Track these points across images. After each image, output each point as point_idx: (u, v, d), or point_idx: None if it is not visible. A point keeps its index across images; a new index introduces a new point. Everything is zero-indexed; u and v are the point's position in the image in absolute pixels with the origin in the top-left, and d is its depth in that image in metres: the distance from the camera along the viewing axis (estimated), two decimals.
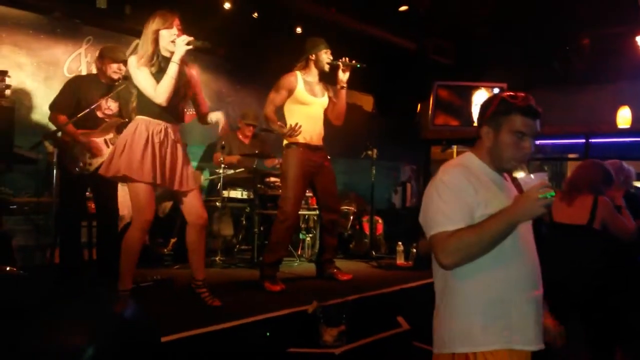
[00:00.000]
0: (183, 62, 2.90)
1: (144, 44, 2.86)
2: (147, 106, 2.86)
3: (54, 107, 3.58)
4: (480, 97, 6.82)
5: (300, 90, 3.72)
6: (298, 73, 3.76)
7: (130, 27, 5.20)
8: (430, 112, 6.82)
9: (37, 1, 4.60)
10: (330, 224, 3.96)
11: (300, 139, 3.69)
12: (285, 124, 3.70)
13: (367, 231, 5.36)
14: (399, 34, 6.18)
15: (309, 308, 3.02)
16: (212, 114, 3.11)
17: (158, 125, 2.87)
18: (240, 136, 5.35)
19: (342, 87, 3.79)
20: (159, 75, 2.82)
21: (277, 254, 3.72)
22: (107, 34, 5.09)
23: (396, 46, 6.30)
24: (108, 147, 3.61)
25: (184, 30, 2.91)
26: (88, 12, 4.87)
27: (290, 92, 3.70)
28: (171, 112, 2.92)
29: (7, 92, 3.27)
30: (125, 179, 2.86)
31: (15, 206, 3.99)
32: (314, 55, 3.76)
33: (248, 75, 6.15)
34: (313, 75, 3.79)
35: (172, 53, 2.83)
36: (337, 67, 3.77)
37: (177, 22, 2.90)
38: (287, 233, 3.75)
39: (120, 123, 3.69)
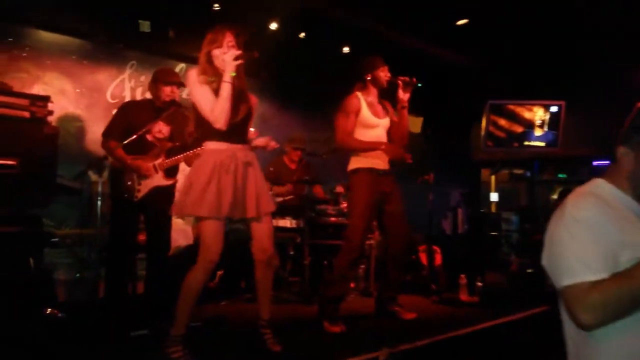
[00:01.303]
0: (241, 79, 2.68)
1: (200, 65, 2.68)
2: (209, 127, 2.62)
3: (107, 133, 3.43)
4: (537, 116, 6.44)
5: (365, 112, 3.48)
6: (359, 94, 3.51)
7: (174, 51, 5.08)
8: (482, 132, 6.46)
9: (80, 26, 4.50)
10: (400, 256, 3.63)
11: (367, 163, 3.44)
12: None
13: (424, 262, 4.97)
14: (450, 49, 5.86)
15: (380, 356, 2.66)
16: (256, 140, 2.88)
17: (224, 153, 2.63)
18: (287, 161, 5.09)
19: (404, 107, 3.52)
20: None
21: (340, 290, 3.41)
22: (150, 58, 4.97)
23: (447, 63, 5.97)
24: (157, 172, 3.39)
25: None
26: (131, 36, 4.77)
27: (357, 115, 3.46)
28: (236, 132, 2.68)
29: (50, 118, 3.08)
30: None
31: (57, 239, 3.79)
32: (370, 76, 3.49)
33: (293, 97, 5.92)
34: (373, 95, 3.54)
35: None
36: (397, 85, 3.49)
37: (228, 38, 2.66)
38: (352, 266, 3.47)
39: (170, 147, 3.48)
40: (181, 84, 3.46)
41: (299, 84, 5.74)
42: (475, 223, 7.22)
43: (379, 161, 3.49)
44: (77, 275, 3.62)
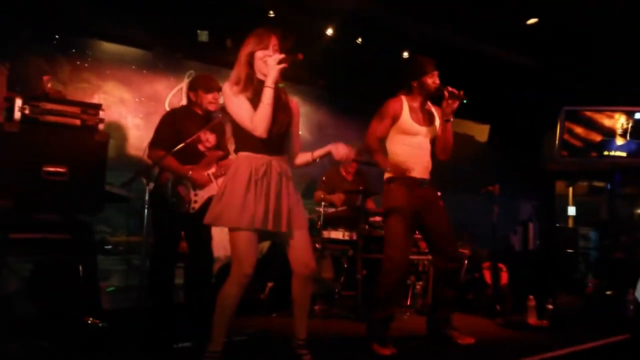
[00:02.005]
0: (281, 89, 2.54)
1: (237, 67, 2.54)
2: (246, 139, 2.50)
3: (154, 143, 3.36)
4: (618, 123, 5.90)
5: (406, 118, 3.23)
6: (403, 98, 3.28)
7: (231, 60, 5.04)
8: (556, 141, 6.00)
9: (140, 37, 4.59)
10: (446, 274, 3.33)
11: (404, 172, 3.21)
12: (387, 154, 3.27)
13: (488, 280, 4.62)
14: (520, 52, 5.48)
15: None
16: (316, 152, 2.67)
17: (260, 160, 2.51)
18: (343, 172, 4.92)
19: (448, 121, 3.25)
20: (255, 100, 2.46)
21: (387, 310, 3.17)
22: (208, 67, 4.99)
23: (517, 67, 5.59)
24: (212, 182, 3.33)
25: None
26: (190, 46, 4.83)
27: (395, 119, 3.23)
28: (274, 143, 2.54)
29: (101, 126, 3.10)
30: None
31: (110, 246, 3.84)
32: (417, 82, 3.25)
33: (351, 105, 5.77)
34: (418, 101, 3.29)
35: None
36: (443, 96, 3.23)
37: (274, 42, 2.53)
38: (397, 284, 3.20)
39: (220, 156, 3.42)
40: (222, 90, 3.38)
41: (356, 91, 5.58)
42: (548, 239, 6.72)
43: (417, 170, 3.25)
44: (113, 288, 3.62)
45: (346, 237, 4.38)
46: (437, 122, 3.33)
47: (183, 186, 3.29)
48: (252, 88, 2.48)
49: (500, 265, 4.69)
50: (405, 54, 5.09)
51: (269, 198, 2.47)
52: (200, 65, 5.00)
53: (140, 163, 4.32)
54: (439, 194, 3.41)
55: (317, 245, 4.25)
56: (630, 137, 5.82)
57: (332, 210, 4.45)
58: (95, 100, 4.31)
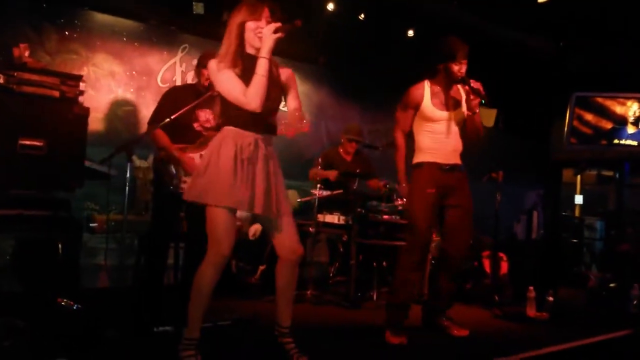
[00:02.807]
0: (273, 62, 2.37)
1: (226, 40, 2.35)
2: (234, 115, 2.35)
3: (151, 119, 3.26)
4: (630, 111, 5.68)
5: (427, 105, 3.11)
6: (426, 84, 3.15)
7: None
8: (565, 128, 5.80)
9: (132, 7, 4.41)
10: (455, 263, 3.21)
11: (431, 157, 3.12)
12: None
13: (487, 269, 4.47)
14: (530, 34, 5.25)
15: None
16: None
17: (247, 138, 2.35)
18: (342, 152, 4.75)
19: (473, 114, 3.09)
20: (244, 76, 2.31)
21: (405, 294, 3.08)
22: (203, 41, 4.81)
23: (526, 49, 5.37)
24: None
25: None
26: (184, 19, 4.64)
27: (417, 108, 3.13)
28: (263, 120, 2.38)
29: (80, 98, 2.94)
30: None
31: (95, 224, 3.72)
32: (443, 66, 3.09)
33: (352, 85, 5.57)
34: (443, 84, 3.13)
35: (258, 50, 2.31)
36: (465, 88, 3.08)
37: (266, 14, 2.36)
38: (418, 268, 3.13)
39: None
40: None
41: (358, 70, 5.37)
42: (552, 228, 6.55)
43: (442, 155, 3.13)
44: None
45: (341, 222, 4.22)
46: (464, 106, 3.17)
47: (174, 164, 3.18)
48: (242, 63, 2.32)
49: (501, 254, 4.54)
50: (410, 33, 4.87)
51: (254, 180, 2.32)
52: (195, 39, 4.80)
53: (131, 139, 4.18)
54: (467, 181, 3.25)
55: (310, 229, 4.11)
56: None
57: (326, 193, 4.29)
58: (84, 72, 4.15)
